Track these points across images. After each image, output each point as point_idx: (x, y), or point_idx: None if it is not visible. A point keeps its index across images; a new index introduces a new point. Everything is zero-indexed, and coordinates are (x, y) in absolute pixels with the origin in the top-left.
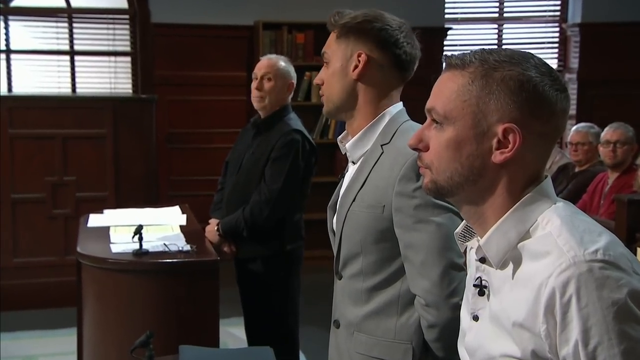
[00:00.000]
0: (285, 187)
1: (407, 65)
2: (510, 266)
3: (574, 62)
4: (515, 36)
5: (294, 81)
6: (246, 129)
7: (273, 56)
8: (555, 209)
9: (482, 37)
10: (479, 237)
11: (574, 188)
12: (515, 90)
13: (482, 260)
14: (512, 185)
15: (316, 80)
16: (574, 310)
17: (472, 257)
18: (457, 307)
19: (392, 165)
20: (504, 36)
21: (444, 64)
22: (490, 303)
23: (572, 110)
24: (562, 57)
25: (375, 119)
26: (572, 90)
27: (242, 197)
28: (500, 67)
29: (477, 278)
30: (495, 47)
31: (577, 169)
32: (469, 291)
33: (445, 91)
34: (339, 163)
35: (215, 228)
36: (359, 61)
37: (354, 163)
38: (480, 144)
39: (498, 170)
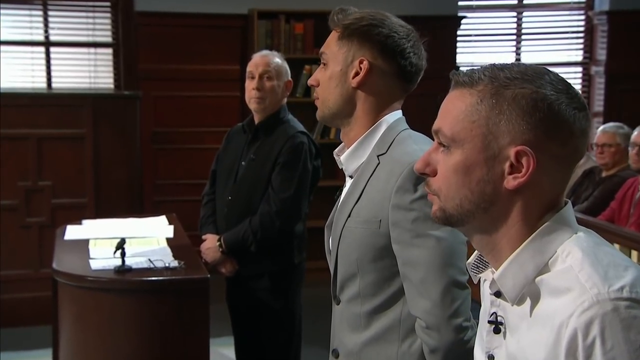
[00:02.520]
0: (297, 195)
1: (412, 76)
2: (528, 302)
3: (602, 54)
4: (537, 25)
5: (291, 79)
6: (233, 134)
7: (268, 52)
8: (577, 239)
9: (499, 26)
10: (493, 269)
11: (601, 195)
12: (527, 110)
13: (497, 294)
14: (527, 213)
15: (310, 81)
16: (598, 354)
17: (485, 291)
18: (461, 329)
19: (388, 176)
20: (523, 25)
21: (451, 82)
22: (507, 342)
23: (599, 108)
24: (588, 48)
25: (371, 129)
26: (599, 84)
27: (245, 208)
28: (512, 84)
29: (492, 314)
30: (514, 38)
31: (604, 174)
32: (484, 328)
33: (453, 111)
34: None
35: (217, 244)
36: (361, 68)
37: (351, 177)
38: (491, 169)
39: (511, 196)
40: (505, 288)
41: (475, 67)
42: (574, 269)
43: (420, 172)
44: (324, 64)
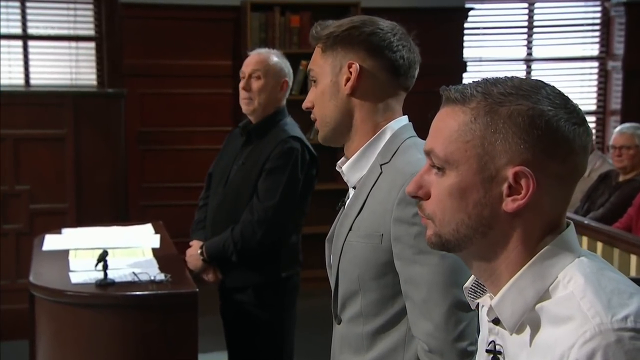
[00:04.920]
0: (282, 204)
1: (405, 70)
2: (528, 330)
3: (619, 48)
4: (549, 17)
5: (289, 79)
6: (233, 136)
7: (263, 50)
8: (579, 263)
9: (509, 18)
10: (491, 294)
11: (618, 200)
12: (525, 128)
13: (496, 321)
14: (527, 236)
15: (305, 104)
16: None
17: (484, 317)
18: (466, 354)
19: (390, 187)
20: (535, 17)
21: (442, 98)
22: None
23: (616, 106)
24: (605, 41)
25: (375, 136)
26: (617, 81)
27: (231, 215)
28: (507, 100)
29: (490, 342)
30: (526, 30)
31: (621, 178)
32: (482, 357)
33: (445, 130)
34: None
35: (199, 251)
36: (351, 72)
37: (354, 189)
38: (489, 191)
39: (511, 219)
40: (504, 315)
41: (466, 83)
42: (575, 296)
43: (412, 195)
44: (314, 82)
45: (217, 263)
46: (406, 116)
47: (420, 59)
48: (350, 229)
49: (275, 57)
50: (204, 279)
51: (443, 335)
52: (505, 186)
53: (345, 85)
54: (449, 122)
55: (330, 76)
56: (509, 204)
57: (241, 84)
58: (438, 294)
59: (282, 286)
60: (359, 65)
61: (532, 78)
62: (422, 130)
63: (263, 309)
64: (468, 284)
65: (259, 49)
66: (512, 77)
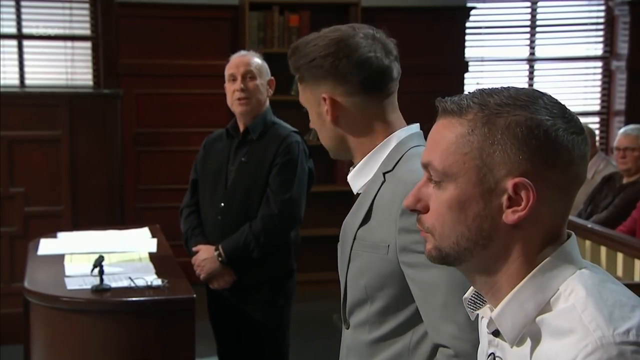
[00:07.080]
0: (298, 196)
1: (381, 81)
2: (528, 343)
3: (623, 48)
4: (552, 16)
5: (273, 78)
6: (210, 142)
7: (245, 52)
8: (580, 276)
9: (512, 17)
10: (491, 306)
11: (622, 203)
12: (523, 139)
13: (496, 333)
14: (528, 248)
15: (310, 125)
16: None
17: (483, 329)
18: None
19: (393, 197)
20: (538, 16)
21: (438, 110)
22: None
23: (620, 106)
24: (609, 41)
25: (380, 145)
26: (621, 81)
27: (243, 213)
28: (504, 111)
29: (490, 354)
30: (528, 30)
31: (625, 180)
32: None
33: (442, 143)
34: (340, 168)
35: (216, 253)
36: (327, 105)
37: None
38: (488, 203)
39: (511, 231)
40: (504, 328)
41: (462, 94)
42: (577, 308)
43: (410, 209)
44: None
45: (233, 263)
46: (417, 124)
47: (396, 53)
48: (355, 238)
49: (258, 58)
50: (216, 284)
51: (468, 336)
52: (505, 198)
53: (327, 116)
54: (445, 134)
55: (314, 107)
56: (509, 216)
57: (236, 85)
58: (458, 295)
59: (289, 280)
60: (331, 98)
61: (529, 87)
62: (425, 129)
63: (272, 306)
64: (467, 295)
65: (240, 51)
66: (509, 87)
